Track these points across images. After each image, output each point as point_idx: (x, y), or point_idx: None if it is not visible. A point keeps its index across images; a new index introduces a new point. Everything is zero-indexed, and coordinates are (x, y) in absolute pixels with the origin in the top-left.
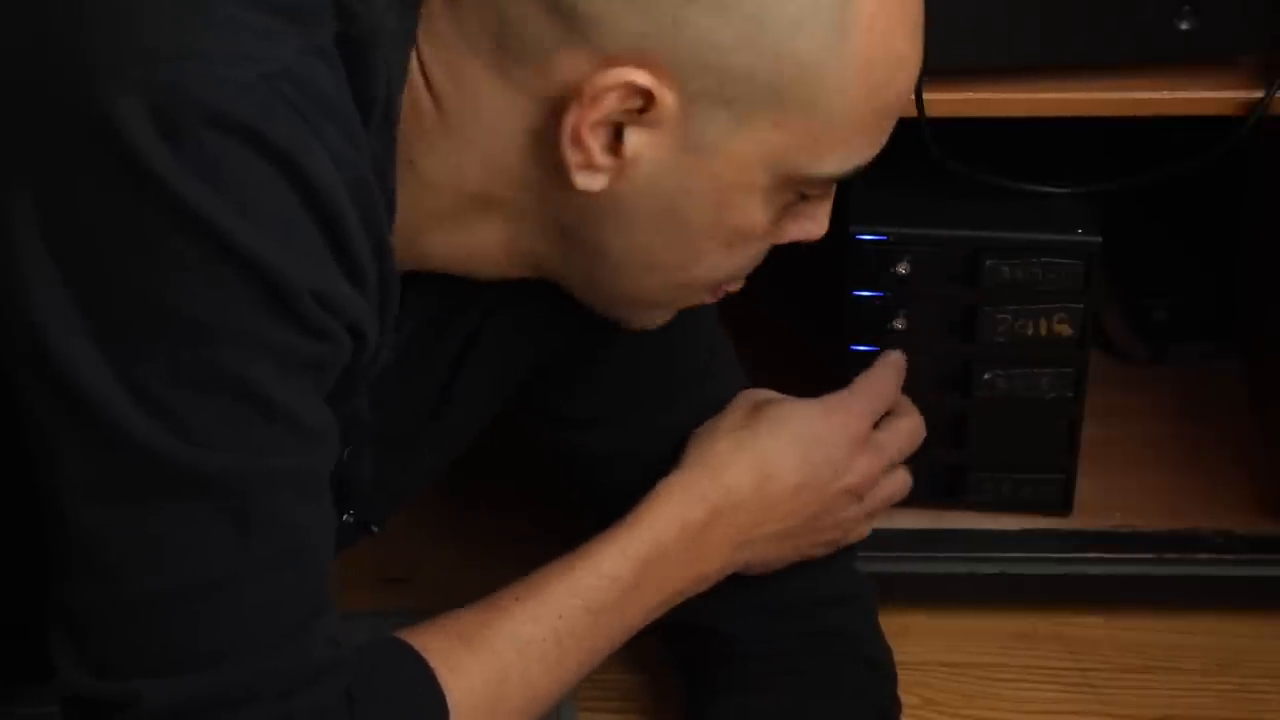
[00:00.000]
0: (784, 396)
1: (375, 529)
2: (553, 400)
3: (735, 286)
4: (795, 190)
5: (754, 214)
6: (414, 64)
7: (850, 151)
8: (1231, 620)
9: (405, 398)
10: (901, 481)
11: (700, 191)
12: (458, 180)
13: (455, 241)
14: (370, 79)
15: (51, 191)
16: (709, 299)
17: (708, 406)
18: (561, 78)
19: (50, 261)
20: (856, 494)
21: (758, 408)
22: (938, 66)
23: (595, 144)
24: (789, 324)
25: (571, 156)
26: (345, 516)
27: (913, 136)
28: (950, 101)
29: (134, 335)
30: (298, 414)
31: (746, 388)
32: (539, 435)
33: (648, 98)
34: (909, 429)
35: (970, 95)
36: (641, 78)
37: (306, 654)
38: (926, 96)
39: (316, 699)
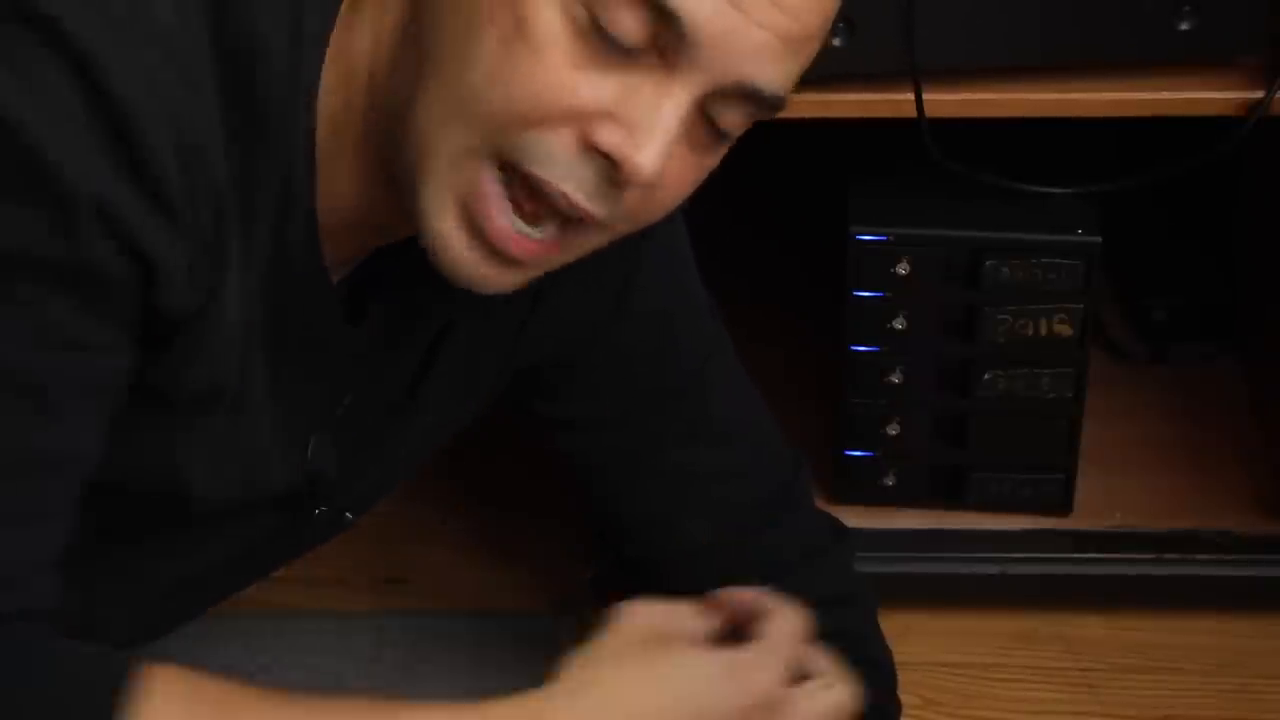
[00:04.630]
0: (693, 623)
1: (350, 516)
2: (545, 402)
3: (536, 170)
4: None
5: (543, 8)
6: None
7: None
8: (1232, 620)
9: (373, 389)
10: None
11: None
12: None
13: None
14: None
15: None
16: (487, 180)
17: (703, 410)
18: None
19: None
20: None
21: (655, 643)
22: (938, 66)
23: None
24: (789, 324)
25: None
26: (317, 510)
27: (913, 137)
28: (950, 101)
29: None
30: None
31: (746, 391)
32: (536, 435)
33: None
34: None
35: (970, 95)
36: None
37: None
38: (926, 96)
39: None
